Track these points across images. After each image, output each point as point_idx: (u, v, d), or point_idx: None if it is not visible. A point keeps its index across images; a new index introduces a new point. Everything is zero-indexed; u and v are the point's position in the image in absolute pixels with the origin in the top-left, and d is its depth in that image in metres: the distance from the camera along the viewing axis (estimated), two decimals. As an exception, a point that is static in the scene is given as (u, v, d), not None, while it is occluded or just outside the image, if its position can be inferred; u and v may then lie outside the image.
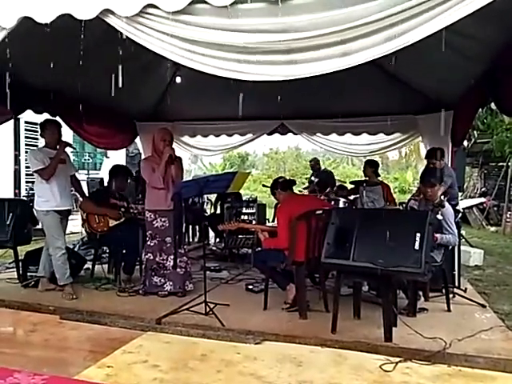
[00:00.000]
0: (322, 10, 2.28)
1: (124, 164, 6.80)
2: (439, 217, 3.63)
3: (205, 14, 2.39)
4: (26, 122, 11.03)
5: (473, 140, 11.16)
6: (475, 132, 10.24)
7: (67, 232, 4.42)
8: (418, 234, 2.83)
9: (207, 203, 8.09)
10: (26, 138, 11.35)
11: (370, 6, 2.21)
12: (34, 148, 5.92)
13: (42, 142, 4.43)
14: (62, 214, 4.17)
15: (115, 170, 4.85)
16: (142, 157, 7.54)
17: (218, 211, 6.98)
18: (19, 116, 6.24)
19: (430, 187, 3.80)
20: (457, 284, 4.30)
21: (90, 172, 12.86)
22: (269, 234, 3.84)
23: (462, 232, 6.40)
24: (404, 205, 5.48)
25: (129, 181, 5.66)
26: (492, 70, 3.75)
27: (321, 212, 3.64)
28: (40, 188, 4.07)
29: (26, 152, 11.06)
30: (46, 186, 4.05)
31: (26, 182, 10.52)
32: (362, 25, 2.24)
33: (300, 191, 8.10)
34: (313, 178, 8.44)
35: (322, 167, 9.66)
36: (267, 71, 2.52)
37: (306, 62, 2.44)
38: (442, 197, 3.91)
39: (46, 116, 5.44)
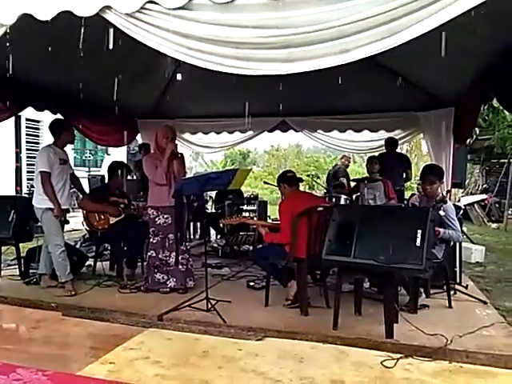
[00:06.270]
0: (321, 5, 2.27)
1: (123, 161, 6.82)
2: (441, 213, 3.63)
3: (204, 10, 2.39)
4: (28, 120, 11.03)
5: (474, 137, 11.15)
6: (477, 129, 10.22)
7: (69, 229, 4.42)
8: (420, 231, 2.82)
9: (208, 200, 8.09)
10: (27, 135, 11.33)
11: (369, 0, 2.20)
12: (39, 146, 5.91)
13: (43, 140, 4.43)
14: None
15: (112, 167, 4.85)
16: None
17: (219, 209, 6.97)
18: (20, 113, 6.25)
19: (430, 184, 3.80)
20: (458, 280, 4.29)
21: (91, 169, 12.90)
22: (269, 230, 3.84)
23: (464, 228, 6.39)
24: (406, 201, 5.48)
25: (133, 177, 5.62)
26: (494, 66, 3.73)
27: (322, 209, 3.64)
28: (40, 186, 4.07)
29: (28, 149, 11.08)
30: None
31: (28, 179, 10.53)
32: (360, 20, 2.22)
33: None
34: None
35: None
36: (266, 66, 2.52)
37: (304, 57, 2.42)
38: (444, 192, 3.90)
39: (47, 113, 5.47)
